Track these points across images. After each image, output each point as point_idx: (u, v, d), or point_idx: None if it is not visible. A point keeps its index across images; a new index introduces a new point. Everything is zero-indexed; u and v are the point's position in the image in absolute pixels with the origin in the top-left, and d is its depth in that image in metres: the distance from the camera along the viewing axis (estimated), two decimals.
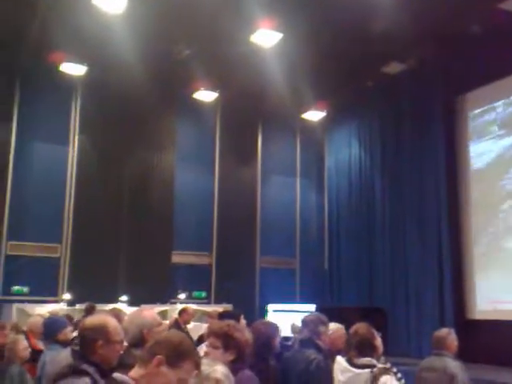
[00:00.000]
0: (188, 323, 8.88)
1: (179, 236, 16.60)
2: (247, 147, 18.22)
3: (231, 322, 3.25)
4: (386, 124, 16.44)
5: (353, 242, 17.17)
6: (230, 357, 2.93)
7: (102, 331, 2.64)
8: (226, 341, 2.95)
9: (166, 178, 16.84)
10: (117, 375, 2.11)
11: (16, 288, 14.79)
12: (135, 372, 2.09)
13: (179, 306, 11.80)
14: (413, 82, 15.02)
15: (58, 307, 12.93)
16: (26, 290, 14.85)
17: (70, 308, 13.16)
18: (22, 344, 5.69)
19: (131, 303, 13.54)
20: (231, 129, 17.81)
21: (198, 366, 2.13)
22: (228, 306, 12.72)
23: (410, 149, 15.24)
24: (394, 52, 13.95)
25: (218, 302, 15.84)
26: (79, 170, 15.90)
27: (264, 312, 14.78)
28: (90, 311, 8.95)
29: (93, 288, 13.75)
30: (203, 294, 16.97)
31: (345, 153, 18.24)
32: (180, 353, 2.06)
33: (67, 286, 15.23)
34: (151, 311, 3.67)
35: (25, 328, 8.03)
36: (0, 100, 14.85)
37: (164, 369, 2.02)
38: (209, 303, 16.17)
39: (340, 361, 4.22)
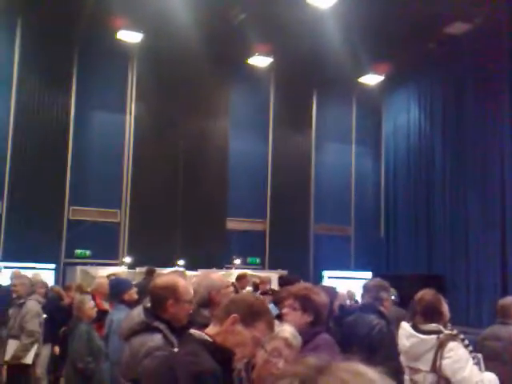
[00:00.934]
0: (245, 289, 9.01)
1: (234, 203, 16.74)
2: (302, 113, 17.98)
3: (309, 284, 3.29)
4: (447, 87, 15.77)
5: (410, 208, 16.81)
6: (308, 318, 2.95)
7: (172, 290, 2.70)
8: (304, 303, 2.97)
9: (220, 144, 16.92)
10: (194, 331, 2.15)
11: (79, 251, 15.39)
12: (211, 329, 2.14)
13: (234, 272, 11.97)
14: (477, 44, 14.26)
15: (120, 270, 13.37)
16: (88, 253, 15.44)
17: (130, 271, 13.57)
18: (89, 304, 5.90)
19: (188, 268, 13.84)
20: (285, 95, 17.58)
21: (271, 326, 2.17)
22: (282, 272, 12.76)
23: (474, 113, 14.58)
24: (458, 11, 13.21)
25: (272, 267, 15.96)
26: (136, 136, 16.21)
27: (319, 278, 14.79)
28: (150, 274, 9.19)
29: (151, 252, 14.14)
30: (257, 260, 17.14)
31: (403, 118, 17.71)
32: (254, 313, 2.10)
33: (127, 250, 15.73)
34: (219, 274, 3.71)
35: (89, 289, 8.39)
36: (60, 69, 15.22)
37: (239, 327, 2.07)
38: (263, 269, 16.32)
39: (405, 326, 4.18)
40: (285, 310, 3.03)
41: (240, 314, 2.08)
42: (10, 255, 13.82)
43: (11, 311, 6.27)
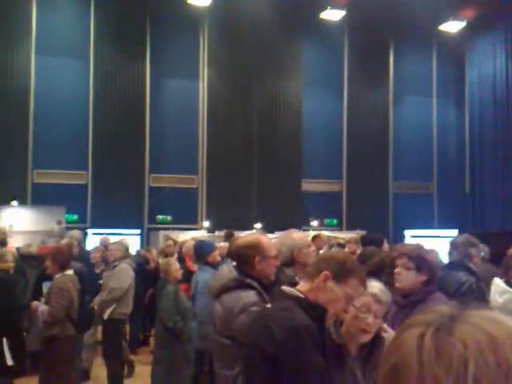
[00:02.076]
0: (321, 249, 8.91)
1: (309, 164, 16.56)
2: (378, 67, 17.28)
3: (421, 244, 3.25)
4: None
5: (498, 162, 15.88)
6: (423, 278, 2.93)
7: (257, 248, 2.71)
8: (419, 262, 2.94)
9: (294, 105, 16.67)
10: (286, 288, 2.14)
11: (160, 217, 15.91)
12: (302, 286, 2.15)
13: (311, 233, 11.88)
14: None
15: (199, 234, 13.70)
16: (169, 218, 15.93)
17: (210, 234, 13.85)
18: (174, 266, 6.05)
19: (265, 230, 13.92)
20: (360, 49, 16.92)
21: (363, 282, 2.17)
22: (361, 233, 12.52)
23: None
24: None
25: (350, 228, 15.75)
26: (210, 101, 16.30)
27: (400, 238, 14.40)
28: (229, 237, 9.28)
29: (228, 216, 14.33)
30: (334, 221, 16.96)
31: (489, 65, 16.56)
32: (346, 269, 2.10)
33: (205, 215, 16.06)
34: (301, 233, 3.64)
35: (174, 252, 8.66)
36: (133, 39, 15.48)
37: (330, 284, 2.08)
38: (340, 230, 16.15)
39: (498, 283, 4.05)
40: (398, 270, 2.96)
41: (331, 271, 2.08)
42: (98, 222, 14.51)
43: (105, 274, 6.58)
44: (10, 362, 4.00)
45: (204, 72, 16.38)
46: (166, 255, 8.30)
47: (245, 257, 2.70)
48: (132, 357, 7.52)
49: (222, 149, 15.80)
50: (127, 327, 7.49)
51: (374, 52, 16.98)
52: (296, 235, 3.46)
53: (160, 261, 8.14)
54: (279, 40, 16.04)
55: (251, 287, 2.61)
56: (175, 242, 9.36)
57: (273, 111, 16.40)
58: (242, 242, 2.79)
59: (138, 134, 15.59)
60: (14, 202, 13.51)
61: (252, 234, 2.95)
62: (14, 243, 8.43)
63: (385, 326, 2.37)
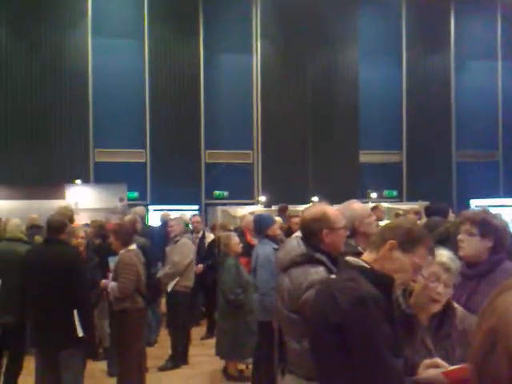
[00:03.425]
0: (381, 220, 8.71)
1: (366, 135, 16.19)
2: (438, 31, 16.52)
3: (486, 208, 3.05)
4: None
5: None
6: (488, 244, 2.74)
7: (325, 220, 2.62)
8: (483, 227, 2.74)
9: (350, 75, 16.27)
10: (350, 258, 2.08)
11: (217, 192, 16.10)
12: (367, 256, 2.09)
13: (370, 205, 11.63)
14: None
15: (256, 208, 13.74)
16: (226, 194, 16.08)
17: (266, 209, 13.87)
18: (234, 240, 6.11)
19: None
20: (419, 13, 16.21)
21: (431, 251, 2.10)
22: (423, 204, 12.16)
23: None
24: None
25: (411, 199, 15.35)
26: (263, 75, 16.16)
27: (464, 208, 13.90)
28: (283, 212, 9.23)
29: (284, 190, 14.29)
30: (394, 193, 16.59)
31: None
32: (413, 238, 2.03)
33: (262, 189, 16.09)
34: (361, 204, 3.54)
35: (232, 227, 8.72)
36: (186, 15, 15.50)
37: (397, 253, 2.02)
38: (401, 201, 15.78)
39: None
40: (460, 237, 2.81)
41: (397, 240, 2.01)
42: (157, 199, 14.85)
43: (168, 248, 6.75)
44: (80, 333, 4.15)
45: (257, 46, 16.23)
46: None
47: (312, 230, 2.62)
48: (194, 328, 7.70)
49: (276, 123, 15.70)
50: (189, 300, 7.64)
51: (434, 15, 16.22)
52: (357, 205, 3.38)
53: (219, 234, 8.23)
54: (334, 8, 15.60)
55: (320, 262, 2.55)
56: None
57: (328, 82, 16.07)
58: (307, 215, 2.71)
59: (194, 110, 15.71)
60: (78, 181, 14.00)
61: (317, 205, 2.85)
62: (80, 220, 8.75)
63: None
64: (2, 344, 4.97)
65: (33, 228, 8.06)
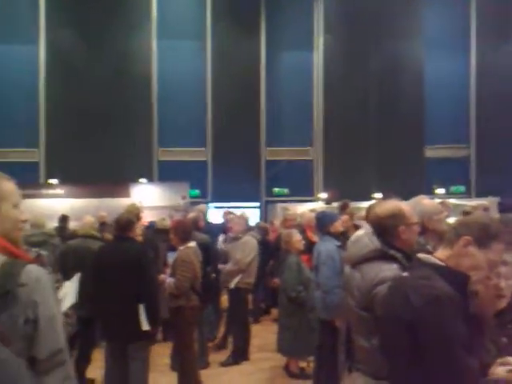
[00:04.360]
0: (447, 217, 8.40)
1: (432, 129, 15.67)
2: (511, 21, 15.68)
3: None
4: None
5: None
6: None
7: (400, 216, 2.57)
8: None
9: (415, 68, 15.77)
10: (422, 255, 2.02)
11: (277, 190, 16.09)
12: (440, 253, 2.03)
13: (435, 201, 11.26)
14: None
15: (317, 205, 13.63)
16: (285, 191, 16.05)
17: (327, 206, 13.74)
18: (296, 237, 6.06)
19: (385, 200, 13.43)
20: (490, 1, 15.43)
21: (508, 247, 2.04)
22: (494, 200, 11.65)
23: None
24: None
25: (480, 195, 14.73)
26: (326, 71, 16.00)
27: None
28: (343, 209, 9.10)
29: (346, 187, 14.09)
30: (462, 189, 15.99)
31: None
32: (489, 233, 1.96)
33: (322, 186, 15.95)
34: (430, 200, 3.43)
35: (294, 224, 8.68)
36: (248, 13, 15.57)
37: (472, 249, 1.96)
38: (469, 197, 15.18)
39: None
40: None
41: (473, 236, 1.95)
42: (218, 196, 15.03)
43: (230, 246, 6.81)
44: (145, 326, 4.25)
45: (319, 42, 16.09)
46: (287, 227, 8.35)
47: (387, 226, 2.56)
48: (254, 325, 7.74)
49: (338, 119, 15.50)
50: (250, 297, 7.69)
51: (506, 2, 15.43)
52: (426, 201, 3.27)
53: (281, 232, 8.23)
54: (398, 0, 15.18)
55: (394, 259, 2.49)
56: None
57: (392, 76, 15.67)
58: (382, 212, 2.64)
59: (254, 108, 15.78)
60: (143, 180, 14.39)
61: (390, 202, 2.78)
62: (144, 218, 8.98)
63: None
64: (74, 336, 5.18)
65: (102, 225, 8.38)
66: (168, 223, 7.34)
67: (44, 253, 4.69)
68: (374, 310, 2.34)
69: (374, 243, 2.62)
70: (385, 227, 2.58)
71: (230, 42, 15.58)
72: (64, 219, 8.73)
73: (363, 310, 2.49)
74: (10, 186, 1.75)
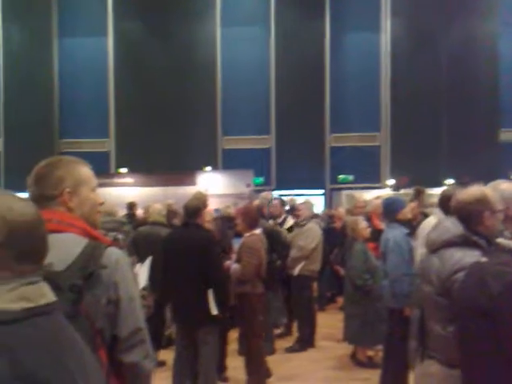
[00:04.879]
0: None
1: (507, 112, 14.89)
2: None
3: None
4: None
5: None
6: None
7: (485, 202, 2.50)
8: None
9: (489, 48, 14.99)
10: (502, 240, 1.93)
11: (342, 177, 15.87)
12: None
13: None
14: None
15: (383, 192, 13.34)
16: (351, 178, 15.81)
17: (394, 193, 13.42)
18: (362, 224, 5.97)
19: (458, 186, 12.93)
20: None
21: None
22: None
23: None
24: None
25: None
26: (393, 54, 15.53)
27: None
28: (418, 195, 8.86)
29: (414, 173, 13.67)
30: None
31: None
32: None
33: (389, 172, 15.58)
34: (510, 184, 3.27)
35: (359, 211, 8.55)
36: None
37: None
38: None
39: None
40: None
41: None
42: (282, 184, 15.04)
43: (295, 232, 6.82)
44: (214, 311, 4.33)
45: (387, 23, 15.63)
46: (355, 214, 8.23)
47: (471, 212, 2.50)
48: (320, 313, 7.71)
49: (406, 103, 15.02)
50: (315, 284, 7.66)
51: None
52: (505, 186, 3.12)
53: (346, 219, 8.13)
54: None
55: (477, 246, 2.43)
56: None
57: (464, 57, 14.98)
58: (466, 197, 2.59)
59: (319, 93, 15.60)
60: (208, 168, 14.62)
61: (475, 187, 2.72)
62: (210, 206, 9.12)
63: None
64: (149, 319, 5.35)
65: (169, 213, 8.60)
66: (232, 211, 7.44)
67: (120, 237, 4.90)
68: (452, 297, 2.27)
69: (457, 228, 2.56)
70: (469, 213, 2.52)
71: (295, 25, 15.41)
72: (132, 206, 9.02)
73: (441, 296, 2.42)
74: (87, 171, 1.83)
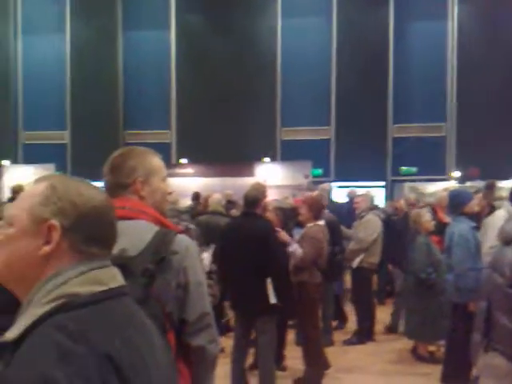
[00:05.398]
0: None
1: None
2: None
3: None
4: None
5: None
6: None
7: None
8: None
9: None
10: None
11: (404, 168, 15.47)
12: None
13: None
14: None
15: (449, 185, 12.91)
16: (414, 169, 15.38)
17: (460, 185, 12.96)
18: (425, 217, 5.82)
19: None
20: None
21: None
22: None
23: None
24: None
25: None
26: (460, 43, 14.94)
27: None
28: (490, 188, 8.51)
29: (483, 165, 13.14)
30: None
31: None
32: None
33: (455, 164, 15.05)
34: None
35: (422, 204, 8.33)
36: None
37: None
38: None
39: None
40: None
41: None
42: (341, 175, 14.85)
43: (355, 224, 6.74)
44: (272, 300, 4.34)
45: (454, 10, 15.04)
46: (412, 207, 8.04)
47: None
48: (380, 307, 7.60)
49: (475, 92, 14.37)
50: (375, 277, 7.54)
51: None
52: None
53: (405, 211, 7.95)
54: None
55: None
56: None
57: None
58: None
59: (381, 83, 15.24)
60: (266, 159, 14.65)
61: None
62: (269, 196, 9.14)
63: None
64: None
65: (228, 203, 8.70)
66: (290, 202, 7.43)
67: (192, 227, 5.02)
68: None
69: None
70: None
71: (357, 14, 15.09)
72: (197, 196, 9.19)
73: None
74: (158, 161, 1.90)
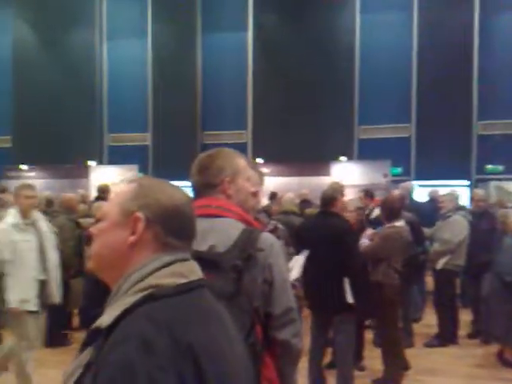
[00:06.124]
0: None
1: None
2: None
3: None
4: None
5: None
6: None
7: None
8: None
9: None
10: None
11: (490, 167, 14.78)
12: None
13: None
14: None
15: None
16: (500, 168, 14.67)
17: None
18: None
19: None
20: None
21: None
22: None
23: None
24: None
25: None
26: None
27: None
28: None
29: None
30: None
31: None
32: None
33: None
34: None
35: (509, 204, 7.92)
36: None
37: None
38: None
39: None
40: None
41: None
42: (421, 174, 14.40)
43: (438, 224, 6.53)
44: (349, 299, 4.30)
45: None
46: (502, 206, 7.66)
47: None
48: (464, 310, 7.31)
49: None
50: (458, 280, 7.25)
51: None
52: None
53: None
54: None
55: None
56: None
57: None
58: None
59: (465, 80, 14.57)
60: (343, 158, 14.48)
61: None
62: (346, 196, 9.04)
63: None
64: None
65: (304, 202, 8.71)
66: (362, 201, 7.31)
67: (280, 226, 5.10)
68: None
69: None
70: None
71: (440, 9, 14.55)
72: (274, 196, 9.28)
73: None
74: (243, 161, 1.97)
